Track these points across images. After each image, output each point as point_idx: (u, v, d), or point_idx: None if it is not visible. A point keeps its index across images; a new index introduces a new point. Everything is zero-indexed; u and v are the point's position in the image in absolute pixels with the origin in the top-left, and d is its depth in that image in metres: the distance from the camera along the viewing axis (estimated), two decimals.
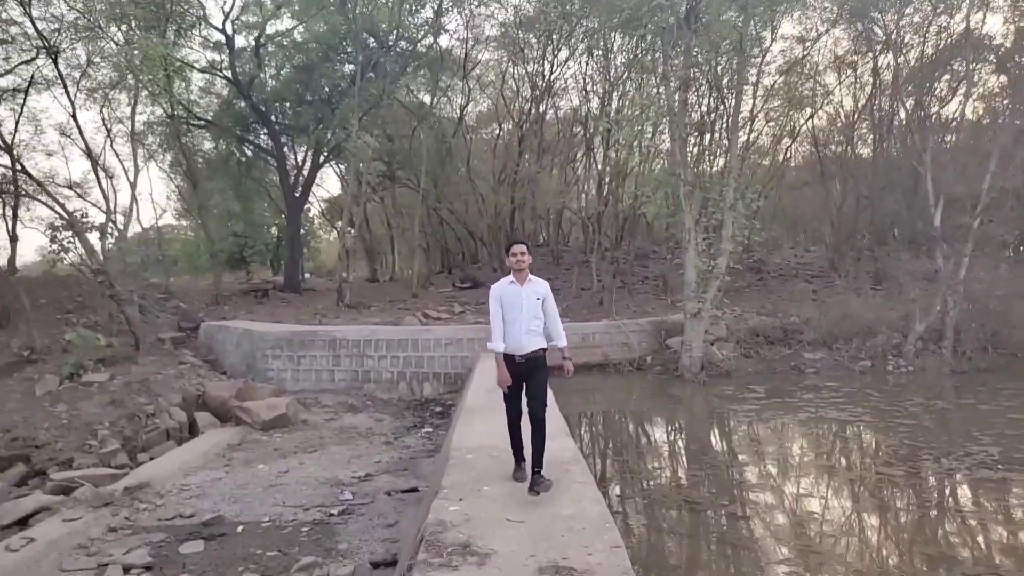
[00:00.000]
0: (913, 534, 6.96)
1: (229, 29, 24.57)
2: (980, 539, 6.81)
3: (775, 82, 23.73)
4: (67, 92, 19.13)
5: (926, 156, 18.07)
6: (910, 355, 16.38)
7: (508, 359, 5.51)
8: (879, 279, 22.94)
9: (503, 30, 25.96)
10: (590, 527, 4.63)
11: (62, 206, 17.35)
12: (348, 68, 25.54)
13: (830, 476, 8.97)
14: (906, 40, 22.27)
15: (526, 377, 5.52)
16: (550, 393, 5.99)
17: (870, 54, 24.00)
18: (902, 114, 24.57)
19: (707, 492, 8.22)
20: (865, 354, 16.65)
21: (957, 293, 16.45)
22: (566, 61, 26.61)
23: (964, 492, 8.20)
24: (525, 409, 5.57)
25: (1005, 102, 21.28)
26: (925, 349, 16.52)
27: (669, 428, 12.60)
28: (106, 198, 19.67)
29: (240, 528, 7.40)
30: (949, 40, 21.44)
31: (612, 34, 22.23)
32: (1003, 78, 21.07)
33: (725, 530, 7.04)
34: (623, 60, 23.61)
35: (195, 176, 25.14)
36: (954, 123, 23.37)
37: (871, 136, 27.02)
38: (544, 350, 5.60)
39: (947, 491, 8.29)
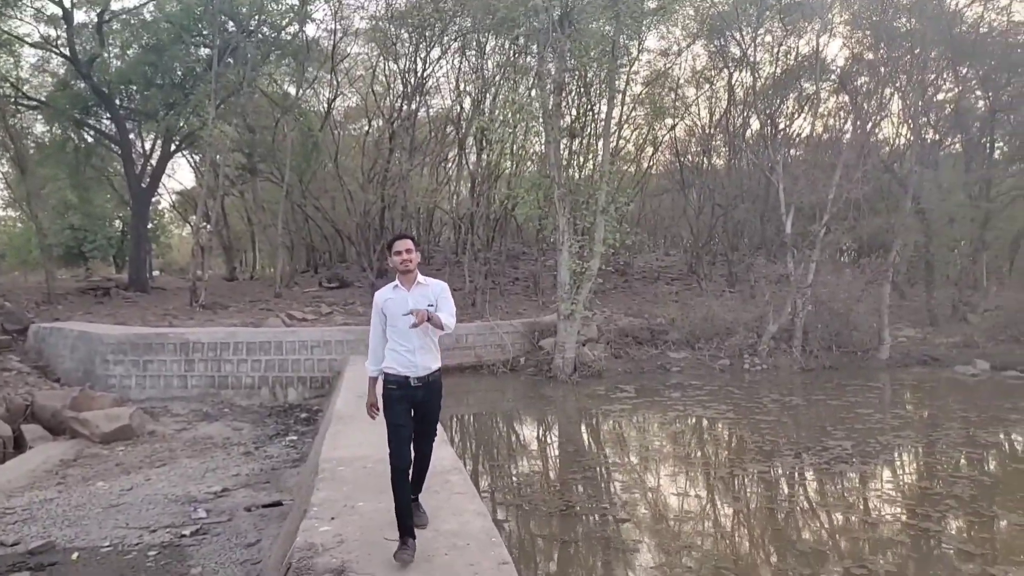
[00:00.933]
0: (777, 527, 7.21)
1: (67, 2, 22.25)
2: (840, 530, 7.16)
3: (641, 92, 24.64)
4: None
5: (778, 167, 19.29)
6: (764, 354, 17.39)
7: (402, 382, 4.44)
8: (732, 282, 24.31)
9: (373, 23, 25.20)
10: (475, 543, 4.34)
11: None
12: (204, 52, 23.86)
13: (701, 474, 9.20)
14: (759, 59, 23.78)
15: (419, 404, 4.45)
16: None
17: (726, 70, 25.40)
18: (754, 127, 26.23)
19: (583, 494, 8.18)
20: (724, 353, 17.51)
21: (805, 296, 17.66)
22: (439, 59, 26.22)
23: (824, 486, 8.63)
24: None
25: (845, 122, 23.20)
26: (777, 348, 17.60)
27: (543, 430, 12.58)
28: None
29: (75, 555, 6.52)
30: (797, 60, 23.12)
31: (486, 34, 22.12)
32: (843, 97, 22.92)
33: (600, 533, 7.01)
34: (497, 61, 23.58)
35: (24, 162, 22.66)
36: (798, 139, 25.25)
37: (725, 148, 28.63)
38: (440, 371, 4.57)
39: (808, 485, 8.73)
